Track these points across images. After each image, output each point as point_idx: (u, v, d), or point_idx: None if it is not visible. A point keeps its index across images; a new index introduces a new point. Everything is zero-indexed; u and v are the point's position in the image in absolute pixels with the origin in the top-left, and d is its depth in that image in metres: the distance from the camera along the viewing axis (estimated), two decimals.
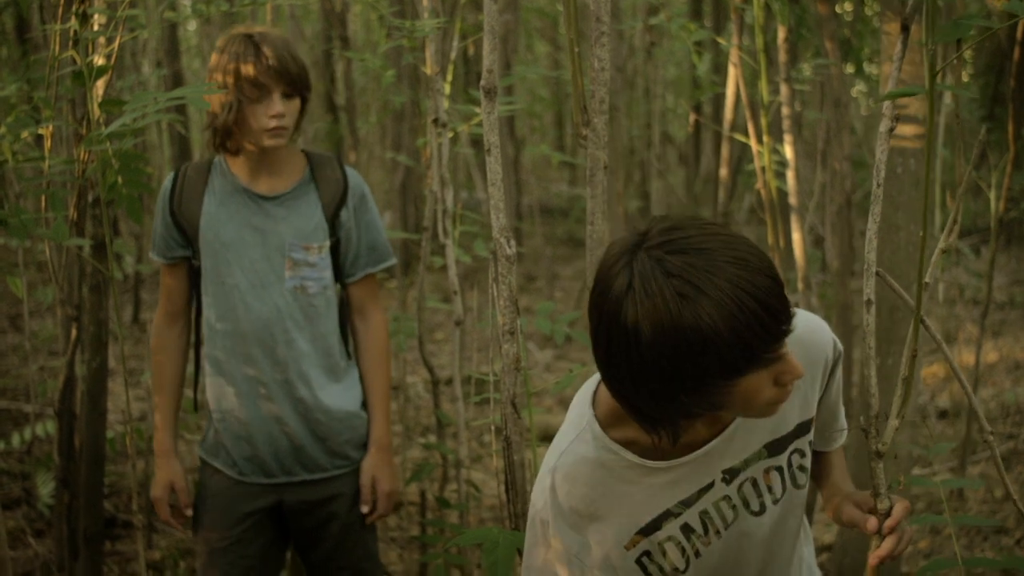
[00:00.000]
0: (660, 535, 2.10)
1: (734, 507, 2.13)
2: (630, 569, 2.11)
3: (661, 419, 1.91)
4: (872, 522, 2.12)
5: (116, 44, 3.41)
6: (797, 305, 5.98)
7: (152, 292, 11.73)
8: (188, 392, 3.73)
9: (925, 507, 5.56)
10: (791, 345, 1.88)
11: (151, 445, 5.58)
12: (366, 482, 3.58)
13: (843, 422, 2.38)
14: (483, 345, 5.66)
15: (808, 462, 2.20)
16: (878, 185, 2.11)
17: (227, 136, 3.37)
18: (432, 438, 6.27)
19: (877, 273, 2.13)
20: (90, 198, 3.73)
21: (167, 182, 3.54)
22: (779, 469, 2.15)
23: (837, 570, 4.28)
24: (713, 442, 2.08)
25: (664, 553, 2.11)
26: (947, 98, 4.81)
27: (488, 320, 3.39)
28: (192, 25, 14.09)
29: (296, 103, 3.39)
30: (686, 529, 2.11)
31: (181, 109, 10.57)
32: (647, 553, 2.11)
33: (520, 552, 2.54)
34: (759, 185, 5.19)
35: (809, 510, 4.95)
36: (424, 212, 4.31)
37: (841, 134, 6.58)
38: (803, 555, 2.38)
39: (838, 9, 8.22)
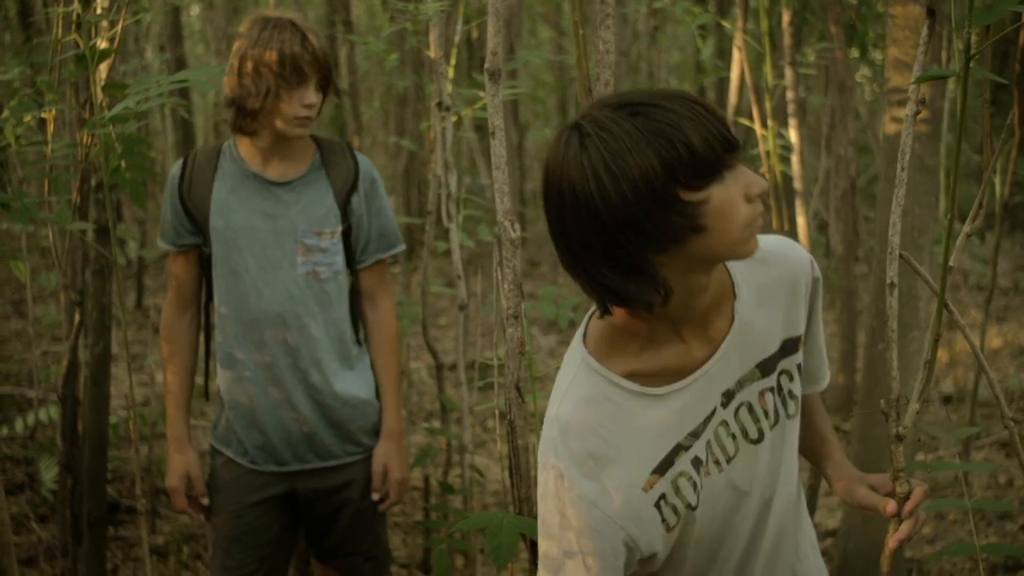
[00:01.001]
0: (673, 471, 2.02)
1: (733, 436, 2.09)
2: (651, 516, 2.01)
3: (641, 270, 1.88)
4: (891, 505, 2.11)
5: (119, 28, 3.40)
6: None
7: (155, 278, 11.74)
8: (197, 379, 3.71)
9: (929, 492, 5.56)
10: (767, 259, 2.06)
11: (155, 430, 5.58)
12: (378, 470, 3.57)
13: (825, 358, 2.37)
14: (487, 330, 5.66)
15: (797, 388, 2.18)
16: (903, 168, 2.10)
17: (250, 117, 3.35)
18: (436, 423, 6.27)
19: (901, 256, 2.12)
20: (93, 182, 3.73)
21: (175, 168, 3.50)
22: (772, 390, 2.13)
23: (841, 555, 4.28)
24: (709, 363, 2.03)
25: (678, 491, 2.03)
26: (950, 83, 4.80)
27: (492, 305, 3.38)
28: (195, 10, 14.09)
29: (321, 95, 3.39)
30: (696, 463, 2.04)
31: (184, 94, 10.57)
32: (663, 496, 2.02)
33: (524, 537, 2.54)
34: (763, 170, 5.18)
35: (813, 494, 4.95)
36: (428, 197, 4.31)
37: (846, 119, 6.59)
38: (805, 529, 2.36)
39: None
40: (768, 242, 2.14)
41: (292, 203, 3.43)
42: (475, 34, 10.92)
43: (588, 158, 1.83)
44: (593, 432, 1.99)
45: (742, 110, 7.05)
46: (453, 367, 6.67)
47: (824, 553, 4.20)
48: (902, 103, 3.73)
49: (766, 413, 2.12)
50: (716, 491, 2.08)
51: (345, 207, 3.48)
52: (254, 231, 3.40)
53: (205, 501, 3.56)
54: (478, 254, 9.50)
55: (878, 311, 3.95)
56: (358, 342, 3.58)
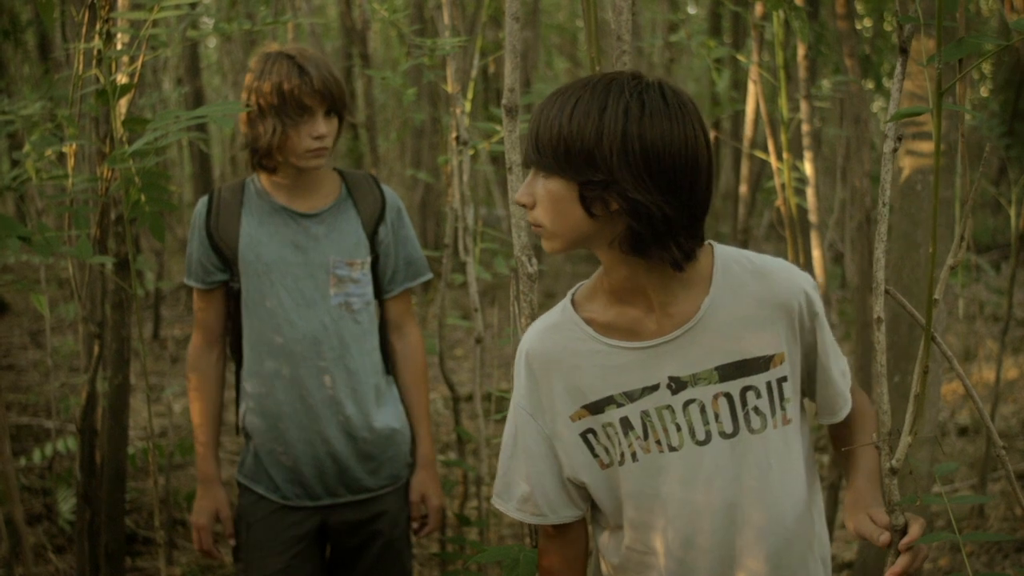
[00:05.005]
0: (603, 418, 2.24)
1: (678, 426, 2.22)
2: (575, 442, 2.28)
3: None
4: (884, 536, 2.14)
5: (139, 63, 3.43)
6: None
7: (172, 308, 11.76)
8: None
9: (945, 524, 5.55)
10: (760, 274, 2.21)
11: (172, 461, 5.59)
12: (416, 499, 3.57)
13: (843, 391, 2.37)
14: (503, 362, 5.66)
15: (766, 407, 2.22)
16: (884, 204, 2.13)
17: (266, 156, 3.35)
18: (452, 455, 6.28)
19: (887, 291, 2.14)
20: (113, 216, 3.75)
21: (201, 206, 3.49)
22: (728, 397, 2.21)
23: None
24: (659, 339, 2.20)
25: (608, 436, 2.25)
26: (966, 116, 4.82)
27: (508, 337, 3.39)
28: (212, 42, 14.15)
29: (335, 122, 3.37)
30: (625, 423, 2.23)
31: (202, 127, 10.61)
32: (592, 431, 2.26)
33: None
34: (779, 202, 5.19)
35: (829, 526, 4.95)
36: (444, 229, 4.33)
37: (861, 150, 6.58)
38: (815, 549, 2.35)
39: (858, 26, 8.24)
40: (769, 261, 2.27)
41: (322, 235, 3.43)
42: (492, 68, 10.97)
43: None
44: (544, 353, 2.28)
45: (757, 142, 7.07)
46: (469, 398, 6.68)
47: None
48: (915, 136, 3.74)
49: (717, 417, 2.22)
50: (654, 471, 2.25)
51: (373, 237, 3.48)
52: (285, 264, 3.39)
53: (233, 542, 3.53)
54: (494, 286, 9.54)
55: (891, 343, 3.96)
56: (387, 372, 3.58)
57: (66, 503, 5.55)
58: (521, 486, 2.36)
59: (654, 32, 11.33)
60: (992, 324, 9.52)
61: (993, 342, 8.54)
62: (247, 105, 3.30)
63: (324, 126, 3.32)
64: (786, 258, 5.19)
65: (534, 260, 2.57)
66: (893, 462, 2.15)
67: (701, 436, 2.22)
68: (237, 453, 6.44)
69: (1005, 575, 2.60)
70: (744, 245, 8.09)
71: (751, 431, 2.22)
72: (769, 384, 2.22)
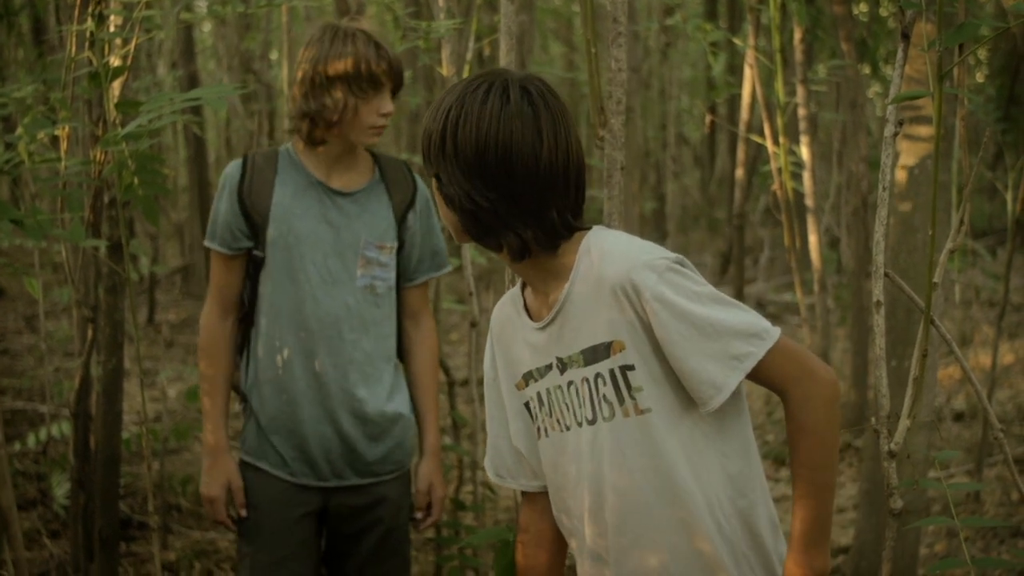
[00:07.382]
0: (531, 389, 2.39)
1: (567, 405, 2.34)
2: (518, 409, 2.44)
3: None
4: None
5: (132, 45, 3.41)
6: (813, 307, 5.96)
7: (167, 293, 11.75)
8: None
9: (941, 509, 5.55)
10: (602, 259, 2.22)
11: (166, 446, 5.57)
12: (423, 488, 3.54)
13: (714, 378, 2.17)
14: None
15: (612, 394, 2.25)
16: (884, 189, 2.12)
17: (327, 128, 3.31)
18: (448, 439, 6.27)
19: (886, 274, 2.13)
20: (106, 199, 3.74)
21: (233, 168, 3.42)
22: (587, 383, 2.28)
23: (853, 572, 4.27)
24: (543, 321, 2.33)
25: (539, 408, 2.40)
26: (964, 100, 4.81)
27: None
28: (207, 27, 14.12)
29: (393, 103, 3.37)
30: (538, 398, 2.38)
31: (197, 110, 10.59)
32: (529, 403, 2.42)
33: None
34: (775, 186, 5.19)
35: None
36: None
37: (857, 135, 6.58)
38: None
39: (854, 10, 8.23)
40: (618, 244, 2.28)
41: (355, 215, 3.40)
42: (487, 51, 10.94)
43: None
44: (498, 323, 2.47)
45: (754, 127, 7.05)
46: (465, 383, 6.67)
47: (836, 571, 4.19)
48: (913, 120, 3.73)
49: (582, 401, 2.30)
50: (559, 448, 2.37)
51: (401, 223, 3.46)
52: (317, 239, 3.36)
53: (244, 512, 3.45)
54: (490, 270, 9.51)
55: (889, 328, 3.95)
56: (400, 358, 3.57)
57: (60, 488, 5.54)
58: (489, 445, 2.52)
59: (650, 15, 11.31)
60: (988, 309, 9.52)
61: (989, 327, 8.54)
62: (305, 76, 3.28)
63: (390, 104, 3.32)
64: (783, 242, 5.18)
65: None
66: (892, 445, 2.14)
67: (579, 418, 2.32)
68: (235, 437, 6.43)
69: (1002, 561, 2.58)
70: (740, 230, 8.09)
71: (603, 419, 2.27)
72: (612, 372, 2.24)
